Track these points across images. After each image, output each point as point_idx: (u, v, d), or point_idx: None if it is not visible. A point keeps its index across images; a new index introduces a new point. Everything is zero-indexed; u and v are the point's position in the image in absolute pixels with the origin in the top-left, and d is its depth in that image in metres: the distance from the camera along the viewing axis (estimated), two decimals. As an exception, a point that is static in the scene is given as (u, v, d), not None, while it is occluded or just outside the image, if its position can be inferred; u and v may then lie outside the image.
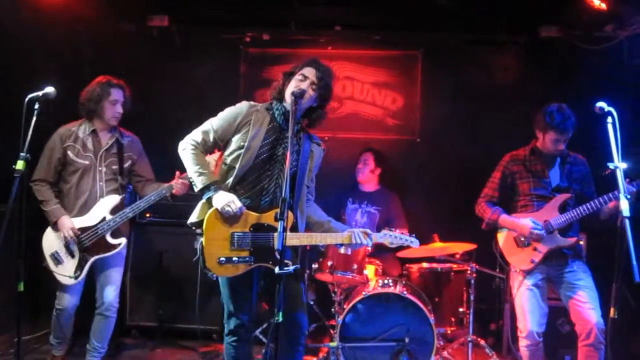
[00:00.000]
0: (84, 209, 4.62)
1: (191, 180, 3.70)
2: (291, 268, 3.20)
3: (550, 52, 6.28)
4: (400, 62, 6.77)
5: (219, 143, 3.73)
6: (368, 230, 3.71)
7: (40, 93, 4.02)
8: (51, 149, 4.65)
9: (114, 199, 4.66)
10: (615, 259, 3.51)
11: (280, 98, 3.75)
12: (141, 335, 6.03)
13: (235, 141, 3.67)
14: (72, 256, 4.57)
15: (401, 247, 5.69)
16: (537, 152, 4.59)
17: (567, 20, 6.09)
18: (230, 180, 3.65)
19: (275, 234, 3.36)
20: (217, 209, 3.56)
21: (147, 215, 6.09)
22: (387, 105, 6.78)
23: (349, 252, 5.06)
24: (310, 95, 3.66)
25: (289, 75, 3.74)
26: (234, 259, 3.58)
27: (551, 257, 4.44)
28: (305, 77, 3.66)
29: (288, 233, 3.45)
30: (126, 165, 4.80)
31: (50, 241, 4.60)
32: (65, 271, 4.55)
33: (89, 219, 4.59)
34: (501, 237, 4.67)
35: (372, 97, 6.79)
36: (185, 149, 3.73)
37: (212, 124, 3.74)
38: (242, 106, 3.77)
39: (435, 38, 6.56)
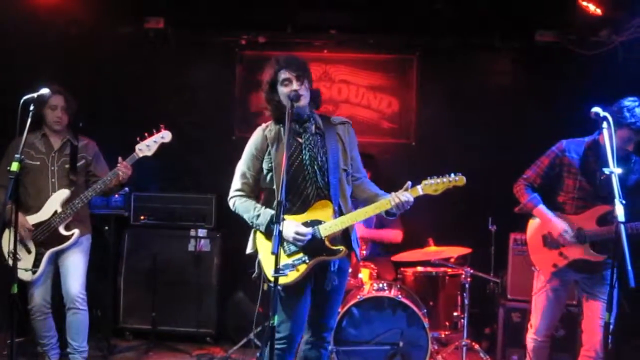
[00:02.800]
0: (38, 206, 4.71)
1: (255, 225, 3.70)
2: (286, 271, 3.21)
3: (546, 56, 6.29)
4: (396, 65, 6.77)
5: (256, 177, 3.77)
6: (408, 184, 3.63)
7: (35, 95, 4.04)
8: (7, 156, 4.73)
9: (64, 193, 4.72)
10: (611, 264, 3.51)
11: (282, 109, 3.67)
12: (135, 337, 6.02)
13: (265, 167, 3.73)
14: (29, 252, 4.66)
15: (396, 251, 5.75)
16: (595, 148, 4.20)
17: (562, 25, 6.10)
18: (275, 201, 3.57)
19: (320, 227, 3.57)
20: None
21: (142, 217, 6.09)
22: (382, 108, 6.78)
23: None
24: (303, 93, 3.64)
25: (272, 89, 3.69)
26: (291, 262, 3.59)
27: (576, 265, 4.21)
28: (289, 81, 3.62)
29: (332, 221, 3.58)
30: (80, 163, 4.87)
31: (7, 240, 4.63)
32: (23, 266, 4.62)
33: (42, 214, 4.69)
34: (531, 227, 4.42)
35: (368, 100, 6.79)
36: (235, 203, 3.78)
37: (242, 166, 3.80)
38: (257, 134, 3.81)
39: (431, 42, 6.55)
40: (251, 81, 6.71)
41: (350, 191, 3.82)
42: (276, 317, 3.24)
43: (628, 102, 4.06)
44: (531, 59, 6.41)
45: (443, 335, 5.42)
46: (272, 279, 3.36)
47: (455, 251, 5.45)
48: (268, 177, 3.72)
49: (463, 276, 5.34)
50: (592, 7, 5.59)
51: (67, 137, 4.88)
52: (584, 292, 4.28)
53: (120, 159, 4.64)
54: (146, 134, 4.63)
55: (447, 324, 5.41)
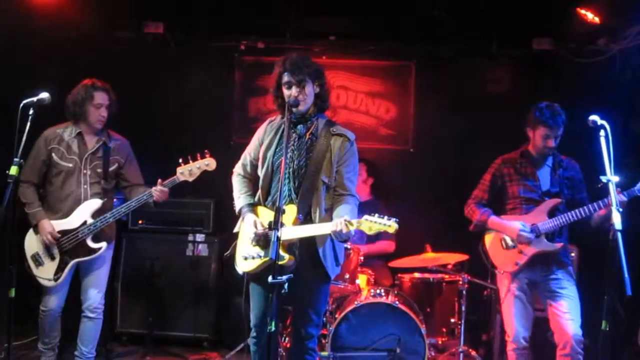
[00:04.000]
0: (67, 212, 4.63)
1: (234, 204, 3.94)
2: (284, 277, 3.21)
3: (543, 64, 6.32)
4: (394, 72, 6.80)
5: (255, 163, 3.94)
6: (347, 217, 3.52)
7: (34, 99, 4.02)
8: (37, 151, 4.66)
9: (96, 203, 4.66)
10: (606, 272, 3.53)
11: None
12: (131, 342, 6.00)
13: (259, 156, 3.89)
14: (52, 258, 4.59)
15: (390, 257, 5.76)
16: (527, 155, 4.60)
17: (560, 33, 6.13)
18: (259, 191, 3.87)
19: (282, 229, 3.46)
20: None
21: (140, 222, 6.09)
22: (380, 114, 6.80)
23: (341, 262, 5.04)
24: (303, 97, 3.70)
25: (278, 87, 3.76)
26: (251, 254, 3.71)
27: (536, 262, 4.45)
28: (288, 84, 3.69)
29: (287, 227, 3.58)
30: (112, 168, 4.79)
31: (32, 242, 4.62)
32: (45, 273, 4.57)
33: (70, 222, 4.61)
34: (488, 238, 4.68)
35: (366, 106, 6.81)
36: (233, 178, 4.05)
37: (248, 149, 4.01)
38: (264, 124, 3.99)
39: (429, 49, 6.58)
40: (250, 86, 6.73)
41: (329, 204, 3.78)
42: (273, 323, 3.22)
43: (539, 104, 4.46)
44: (529, 67, 6.45)
45: (440, 342, 5.42)
46: (237, 264, 3.80)
47: (452, 258, 5.46)
48: (258, 167, 3.88)
49: (460, 283, 5.34)
50: (589, 16, 5.61)
51: (102, 139, 4.76)
52: (546, 293, 4.47)
53: (159, 180, 4.58)
54: (190, 158, 4.49)
55: (444, 330, 5.42)
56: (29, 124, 3.97)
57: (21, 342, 5.53)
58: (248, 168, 3.97)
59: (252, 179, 3.98)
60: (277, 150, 3.77)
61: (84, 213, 4.62)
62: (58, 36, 6.07)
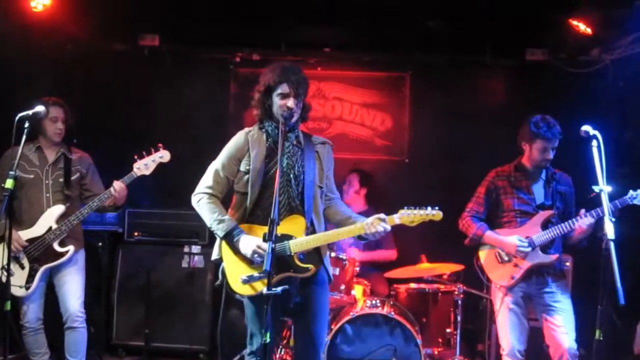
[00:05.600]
0: (32, 221, 4.68)
1: (213, 229, 3.68)
2: (279, 289, 3.22)
3: (537, 75, 6.35)
4: (389, 83, 6.83)
5: (230, 178, 3.75)
6: (382, 215, 3.57)
7: (30, 112, 4.05)
8: (1, 169, 4.70)
9: (59, 209, 4.71)
10: (600, 281, 3.55)
11: (270, 115, 3.74)
12: (128, 354, 5.99)
13: (242, 169, 3.72)
14: (22, 267, 4.63)
15: (387, 267, 5.77)
16: (521, 168, 4.62)
17: (553, 44, 6.18)
18: (247, 204, 3.68)
19: (291, 242, 3.54)
20: None
21: (136, 234, 6.08)
22: (375, 125, 6.82)
23: (337, 273, 5.07)
24: (298, 109, 3.69)
25: (267, 93, 3.71)
26: (255, 275, 3.56)
27: (531, 274, 4.47)
28: (285, 95, 3.64)
29: (303, 237, 3.57)
30: (74, 177, 4.86)
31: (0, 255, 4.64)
32: (16, 282, 4.59)
33: (36, 230, 4.66)
34: (483, 253, 4.69)
35: (361, 117, 6.83)
36: (200, 200, 3.74)
37: (218, 164, 3.78)
38: (239, 135, 3.82)
39: (424, 60, 6.62)
40: (245, 98, 6.69)
41: (323, 209, 3.83)
42: (268, 335, 3.24)
43: (533, 118, 4.49)
44: (522, 77, 6.48)
45: (436, 352, 5.41)
46: (234, 288, 3.59)
47: (448, 268, 5.47)
48: (244, 179, 3.69)
49: (456, 293, 5.35)
50: (582, 27, 5.66)
51: (61, 150, 4.87)
52: (541, 307, 4.49)
53: (115, 181, 4.66)
54: (144, 153, 4.61)
55: (440, 340, 5.41)
56: (24, 137, 3.99)
57: (15, 355, 5.50)
58: (223, 186, 3.76)
59: (222, 198, 3.79)
60: (266, 160, 3.68)
61: (48, 219, 4.68)
62: (54, 48, 6.07)
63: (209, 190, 3.74)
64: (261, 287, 3.48)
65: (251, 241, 3.55)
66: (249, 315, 3.74)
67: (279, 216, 3.52)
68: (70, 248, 4.70)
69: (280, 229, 3.51)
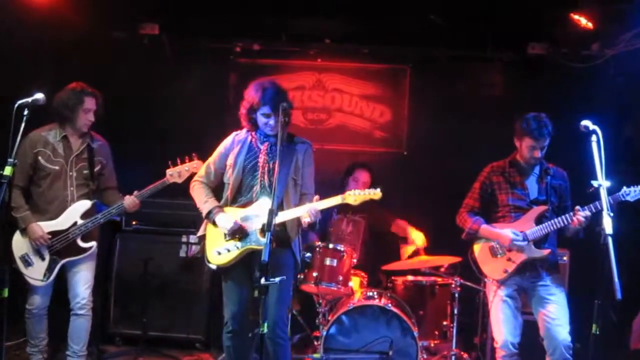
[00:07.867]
0: (54, 214, 4.67)
1: (200, 209, 4.24)
2: (277, 279, 3.36)
3: (537, 69, 6.35)
4: (389, 75, 6.83)
5: (219, 171, 4.31)
6: (317, 197, 4.04)
7: (29, 99, 4.04)
8: (22, 154, 4.62)
9: (86, 204, 4.72)
10: (597, 275, 3.55)
11: (256, 126, 4.24)
12: (124, 343, 5.99)
13: (228, 163, 4.27)
14: (42, 259, 4.64)
15: (384, 261, 5.77)
16: (515, 164, 4.64)
17: (554, 39, 6.17)
18: (228, 193, 4.21)
19: (255, 217, 4.06)
20: None
21: (133, 223, 6.09)
22: (375, 118, 6.82)
23: (334, 264, 5.08)
24: (276, 126, 4.08)
25: (251, 109, 4.19)
26: (225, 247, 4.10)
27: (524, 268, 4.47)
28: (268, 116, 4.12)
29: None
30: (96, 169, 4.85)
31: (20, 243, 4.65)
32: (35, 273, 4.62)
33: (60, 223, 4.66)
34: (477, 247, 4.70)
35: (361, 109, 6.83)
36: (194, 185, 4.37)
37: (211, 159, 4.36)
38: (229, 137, 4.39)
39: (424, 53, 6.62)
40: (245, 88, 6.71)
41: (297, 200, 4.21)
42: (265, 325, 3.27)
43: (526, 115, 4.50)
44: (523, 71, 6.48)
45: (432, 345, 5.42)
46: (211, 260, 4.14)
47: (445, 260, 5.48)
48: (228, 173, 4.23)
49: (453, 285, 5.36)
50: (583, 21, 5.65)
51: (87, 141, 4.82)
52: (535, 299, 4.50)
53: (135, 192, 4.74)
54: (178, 160, 4.72)
55: (436, 333, 5.42)
56: (23, 124, 3.98)
57: (13, 342, 5.50)
58: (212, 177, 4.33)
59: (213, 187, 4.34)
60: (247, 156, 4.21)
61: (73, 214, 4.68)
62: (53, 37, 6.04)
63: (201, 179, 4.36)
64: (228, 259, 4.09)
65: (224, 218, 4.11)
66: (224, 290, 4.22)
67: (254, 200, 4.12)
68: (94, 244, 4.72)
69: (250, 210, 4.12)
